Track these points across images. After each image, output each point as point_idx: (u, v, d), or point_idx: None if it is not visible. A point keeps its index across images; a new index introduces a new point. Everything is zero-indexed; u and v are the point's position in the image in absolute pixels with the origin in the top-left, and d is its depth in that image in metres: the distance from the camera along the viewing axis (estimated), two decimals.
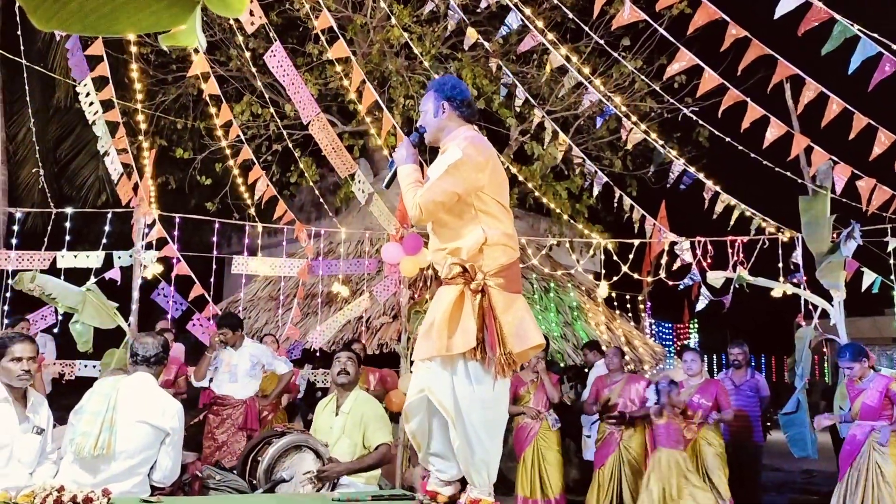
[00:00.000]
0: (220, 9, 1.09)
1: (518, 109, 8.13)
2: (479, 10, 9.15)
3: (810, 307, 7.46)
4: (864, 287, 7.10)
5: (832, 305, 7.05)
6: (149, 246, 7.60)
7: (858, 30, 5.04)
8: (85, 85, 7.23)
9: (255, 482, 4.04)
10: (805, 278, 7.73)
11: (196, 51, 7.18)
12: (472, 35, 7.10)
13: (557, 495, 6.97)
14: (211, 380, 6.71)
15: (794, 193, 7.22)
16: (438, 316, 3.03)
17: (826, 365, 20.46)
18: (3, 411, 3.76)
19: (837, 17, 5.04)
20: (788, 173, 7.14)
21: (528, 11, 7.08)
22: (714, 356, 23.46)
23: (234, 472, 4.18)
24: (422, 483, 3.22)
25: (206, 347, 7.73)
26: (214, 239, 8.49)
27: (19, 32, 7.15)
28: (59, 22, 1.10)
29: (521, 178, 9.73)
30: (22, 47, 7.21)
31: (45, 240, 7.49)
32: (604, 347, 10.00)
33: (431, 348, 3.01)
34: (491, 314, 2.96)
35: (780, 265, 8.03)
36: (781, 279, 7.89)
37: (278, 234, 8.90)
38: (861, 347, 6.00)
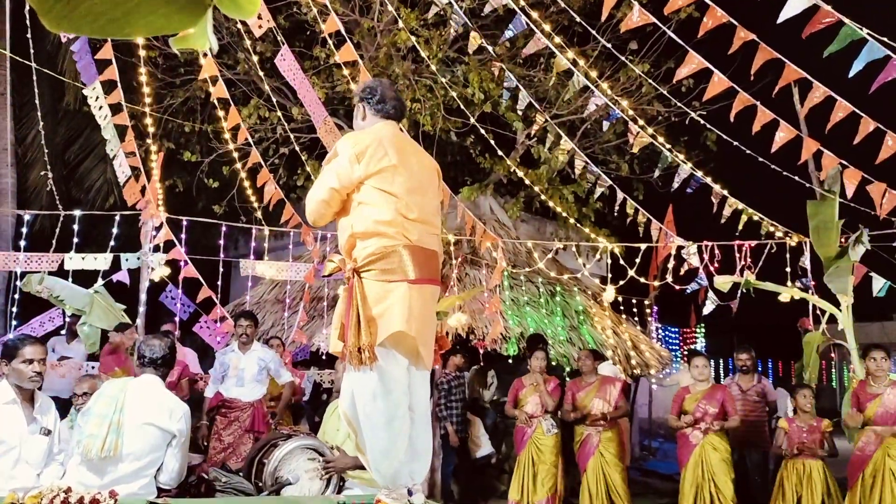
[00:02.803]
0: (232, 11, 1.09)
1: (522, 112, 8.12)
2: (484, 15, 9.14)
3: (818, 312, 7.43)
4: (873, 292, 7.07)
5: (840, 310, 7.01)
6: (156, 248, 7.62)
7: (867, 33, 5.02)
8: (94, 89, 7.26)
9: (261, 484, 4.05)
10: (813, 283, 7.70)
11: (205, 54, 7.21)
12: (475, 39, 7.10)
13: (543, 500, 6.92)
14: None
15: (803, 197, 7.20)
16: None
17: (834, 370, 20.37)
18: (11, 413, 3.77)
19: (845, 20, 5.03)
20: (797, 177, 7.12)
21: (534, 15, 7.08)
22: (721, 361, 23.38)
23: (241, 474, 4.19)
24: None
25: (212, 349, 7.75)
26: (221, 242, 8.51)
27: (29, 36, 7.18)
28: (71, 24, 1.10)
29: (527, 181, 9.72)
30: (31, 50, 7.24)
31: (54, 242, 7.51)
32: (609, 352, 9.99)
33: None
34: (350, 305, 2.90)
35: (788, 270, 8.01)
36: (789, 284, 7.86)
37: (285, 237, 8.91)
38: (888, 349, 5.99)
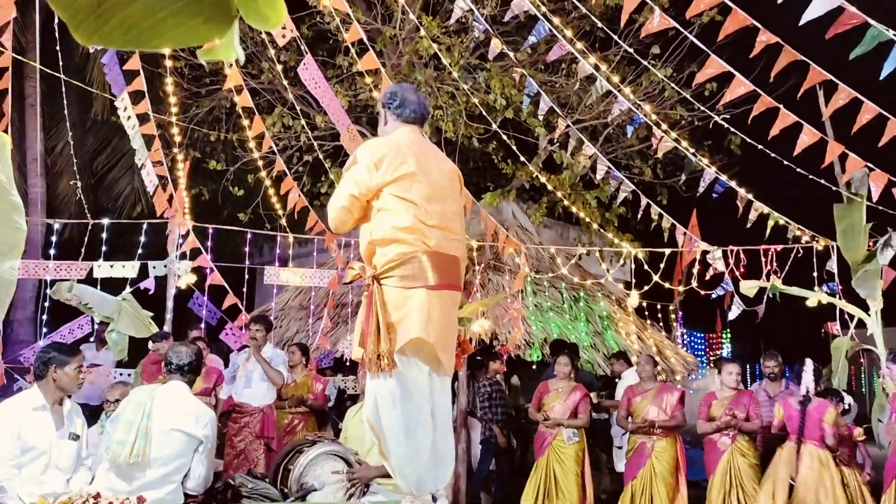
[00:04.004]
0: (258, 22, 1.11)
1: (544, 117, 8.11)
2: (506, 21, 9.16)
3: (846, 317, 7.33)
4: None
5: (869, 315, 6.91)
6: (183, 256, 7.71)
7: (894, 34, 4.95)
8: (122, 99, 7.37)
9: (286, 490, 4.07)
10: (841, 287, 7.59)
11: (231, 64, 7.28)
12: (496, 45, 7.10)
13: None
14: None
15: (829, 201, 7.10)
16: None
17: (863, 376, 20.04)
18: (41, 419, 3.83)
19: (871, 21, 4.97)
20: (823, 181, 7.03)
21: (556, 21, 7.08)
22: (747, 366, 23.11)
23: (266, 480, 4.21)
24: None
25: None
26: (247, 249, 8.57)
27: (58, 48, 7.31)
28: (101, 37, 1.13)
29: (549, 187, 9.70)
30: (60, 62, 7.36)
31: (82, 250, 7.62)
32: (633, 357, 9.92)
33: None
34: (370, 312, 2.90)
35: (815, 274, 7.90)
36: (816, 288, 7.76)
37: (309, 244, 8.96)
38: None
